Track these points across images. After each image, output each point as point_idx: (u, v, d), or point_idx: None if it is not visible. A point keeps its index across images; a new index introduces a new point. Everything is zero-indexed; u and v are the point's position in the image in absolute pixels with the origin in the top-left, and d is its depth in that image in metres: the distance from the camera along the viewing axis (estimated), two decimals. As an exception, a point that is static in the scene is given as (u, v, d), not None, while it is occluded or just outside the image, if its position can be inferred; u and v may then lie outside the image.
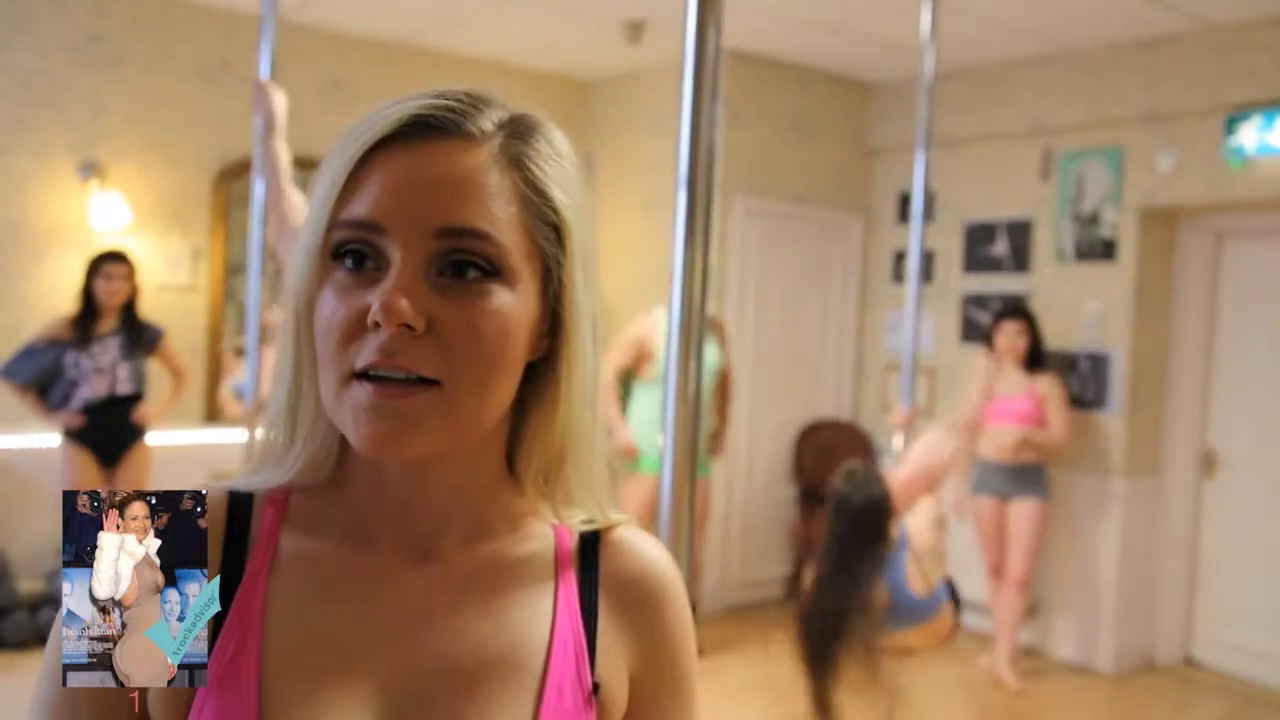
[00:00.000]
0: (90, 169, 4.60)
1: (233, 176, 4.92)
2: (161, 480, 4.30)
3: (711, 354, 4.48)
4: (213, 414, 4.97)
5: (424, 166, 0.69)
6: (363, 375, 0.67)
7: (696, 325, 1.06)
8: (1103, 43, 4.81)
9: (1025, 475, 4.66)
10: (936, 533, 3.00)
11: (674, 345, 1.06)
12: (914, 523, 2.99)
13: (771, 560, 5.69)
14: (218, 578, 0.68)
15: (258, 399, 2.91)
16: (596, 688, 0.77)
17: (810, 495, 5.66)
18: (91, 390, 4.20)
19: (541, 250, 0.72)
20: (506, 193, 0.70)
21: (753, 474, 5.62)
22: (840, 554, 2.86)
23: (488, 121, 0.71)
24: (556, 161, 0.74)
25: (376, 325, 0.66)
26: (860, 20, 4.73)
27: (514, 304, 0.70)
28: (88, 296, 4.23)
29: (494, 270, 0.69)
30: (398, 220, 0.68)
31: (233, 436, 4.47)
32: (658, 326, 4.32)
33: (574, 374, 0.75)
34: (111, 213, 4.59)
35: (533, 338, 0.73)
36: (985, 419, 3.17)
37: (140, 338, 4.35)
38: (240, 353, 4.76)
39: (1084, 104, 4.92)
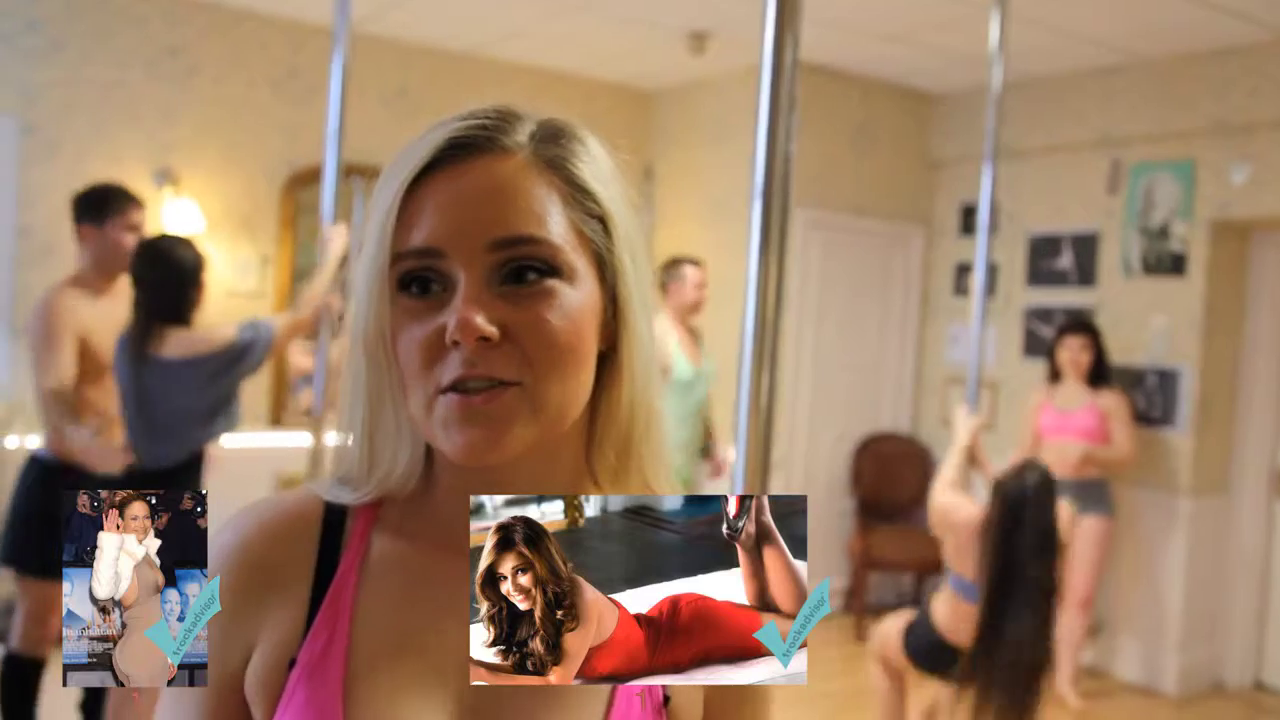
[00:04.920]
0: (164, 177, 4.72)
1: (301, 184, 5.01)
2: (225, 485, 4.15)
3: (712, 366, 4.44)
4: (278, 417, 5.06)
5: (466, 185, 0.72)
6: (448, 389, 0.70)
7: (770, 337, 1.07)
8: (1173, 53, 4.72)
9: (1088, 491, 4.57)
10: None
11: (747, 357, 1.07)
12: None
13: (829, 573, 5.65)
14: (217, 578, 0.71)
15: (325, 403, 2.96)
16: (667, 699, 0.79)
17: (868, 508, 5.61)
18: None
19: (592, 243, 0.75)
20: (548, 194, 0.73)
21: (811, 486, 5.59)
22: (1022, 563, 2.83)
23: (519, 134, 0.74)
24: (589, 158, 0.77)
25: (455, 343, 0.69)
26: (924, 31, 4.70)
27: (576, 297, 0.73)
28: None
29: (551, 269, 0.72)
30: (453, 242, 0.71)
31: (298, 440, 4.54)
32: (664, 337, 4.24)
33: (634, 356, 0.78)
34: (185, 219, 4.70)
35: (600, 327, 0.76)
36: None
37: None
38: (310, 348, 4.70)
39: (1154, 115, 4.83)
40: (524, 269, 0.71)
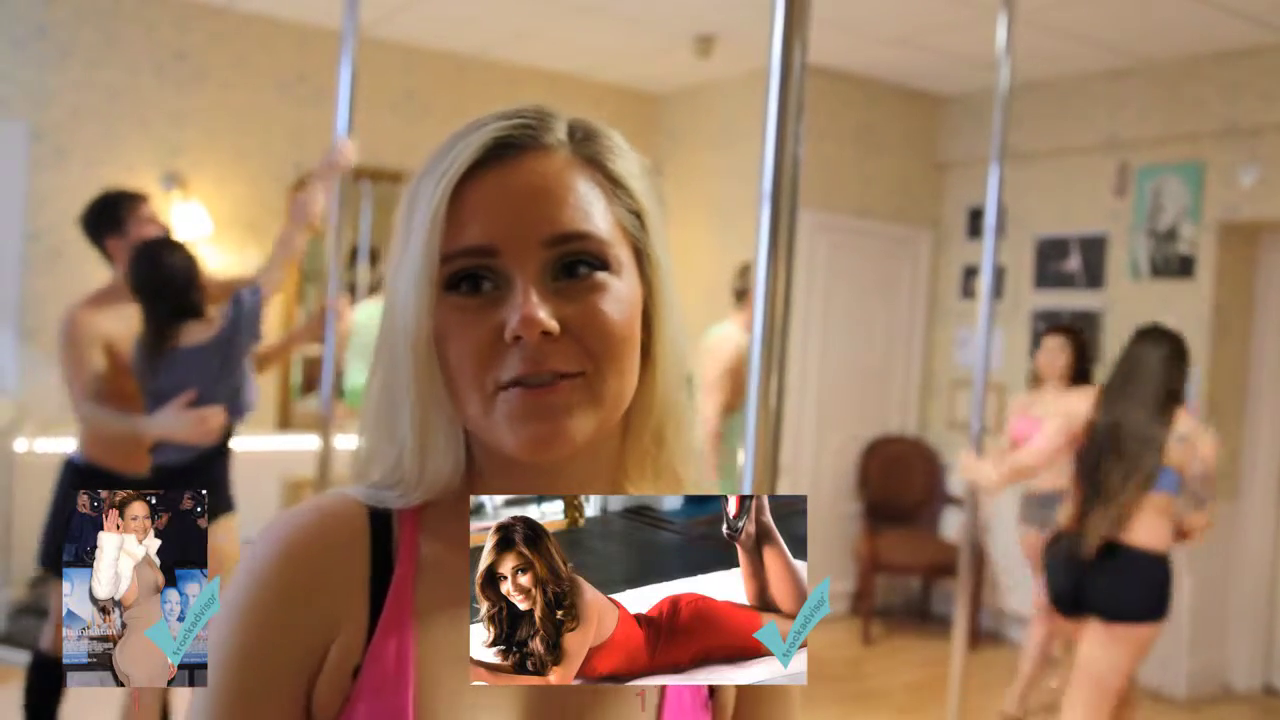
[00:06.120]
0: (172, 180, 4.73)
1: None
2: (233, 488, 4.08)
3: None
4: (286, 420, 5.07)
5: (517, 184, 0.73)
6: (509, 385, 0.71)
7: (779, 340, 1.07)
8: (1181, 56, 4.72)
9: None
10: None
11: (756, 360, 1.07)
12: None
13: (835, 576, 5.63)
14: (217, 579, 0.70)
15: (333, 404, 2.97)
16: (712, 692, 0.83)
17: (875, 511, 5.61)
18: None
19: (631, 236, 0.77)
20: (592, 191, 0.75)
21: (817, 489, 5.59)
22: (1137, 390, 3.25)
23: (558, 131, 0.76)
24: (623, 154, 0.79)
25: (516, 339, 0.70)
26: (930, 33, 4.70)
27: (624, 289, 0.74)
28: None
29: (602, 264, 0.73)
30: (508, 240, 0.71)
31: (306, 443, 4.54)
32: (742, 345, 4.00)
33: (667, 347, 0.79)
34: (193, 222, 4.71)
35: (641, 317, 0.77)
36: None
37: None
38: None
39: (1162, 118, 4.82)
40: (576, 264, 0.72)
